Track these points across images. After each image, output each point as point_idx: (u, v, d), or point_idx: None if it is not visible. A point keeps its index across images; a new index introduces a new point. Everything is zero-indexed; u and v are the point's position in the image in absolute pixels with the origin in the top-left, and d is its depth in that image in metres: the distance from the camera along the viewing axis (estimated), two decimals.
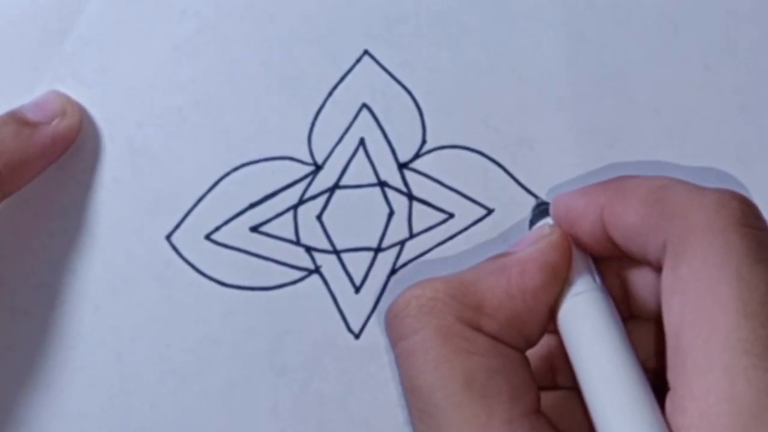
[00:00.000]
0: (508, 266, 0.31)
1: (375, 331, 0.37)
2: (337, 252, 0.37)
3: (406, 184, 0.37)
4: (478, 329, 0.29)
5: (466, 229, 0.37)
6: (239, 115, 0.37)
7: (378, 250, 0.37)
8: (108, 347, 0.36)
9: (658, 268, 0.29)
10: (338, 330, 0.37)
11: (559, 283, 0.31)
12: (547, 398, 0.31)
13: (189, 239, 0.36)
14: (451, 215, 0.37)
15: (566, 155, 0.38)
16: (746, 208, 0.28)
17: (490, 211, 0.38)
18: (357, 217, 0.37)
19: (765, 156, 0.38)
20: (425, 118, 0.37)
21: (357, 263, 0.37)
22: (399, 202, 0.37)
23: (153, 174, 0.36)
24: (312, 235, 0.37)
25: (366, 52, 0.37)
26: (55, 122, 0.35)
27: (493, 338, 0.29)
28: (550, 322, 0.31)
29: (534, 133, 0.38)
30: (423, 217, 0.37)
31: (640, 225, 0.30)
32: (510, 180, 0.38)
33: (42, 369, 0.36)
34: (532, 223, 0.34)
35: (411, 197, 0.37)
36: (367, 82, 0.37)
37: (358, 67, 0.37)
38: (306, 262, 0.37)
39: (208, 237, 0.37)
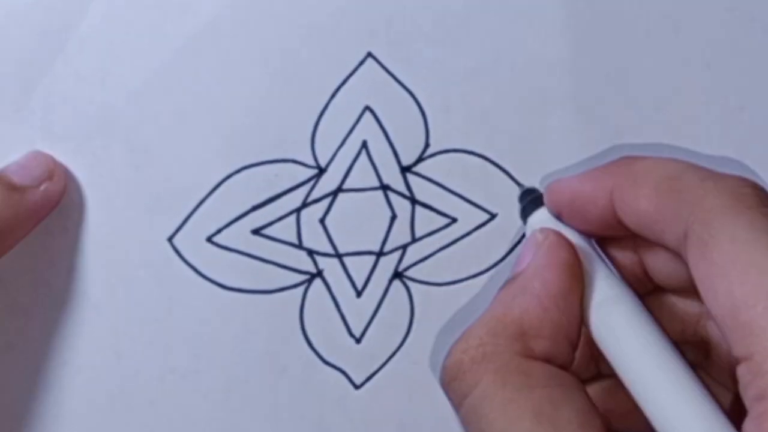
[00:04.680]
0: (527, 283, 0.31)
1: (376, 336, 0.37)
2: (339, 255, 0.37)
3: (408, 187, 0.37)
4: (531, 357, 0.30)
5: (468, 233, 0.37)
6: (241, 116, 0.36)
7: (380, 254, 0.37)
8: (108, 348, 0.36)
9: (675, 253, 0.29)
10: (339, 334, 0.37)
11: (579, 279, 0.31)
12: (595, 390, 0.32)
13: (191, 241, 0.36)
14: (453, 220, 0.37)
15: (570, 158, 0.38)
16: (761, 192, 0.29)
17: (493, 216, 0.38)
18: (359, 221, 0.37)
19: (765, 155, 0.38)
20: (428, 121, 0.37)
21: (359, 267, 0.37)
22: (401, 206, 0.37)
23: (154, 175, 0.36)
24: (314, 239, 0.37)
25: (369, 54, 0.37)
26: (44, 186, 0.34)
27: (548, 361, 0.30)
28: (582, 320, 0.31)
29: (537, 135, 0.38)
30: (425, 221, 0.37)
31: (655, 213, 0.30)
32: (513, 184, 0.37)
33: (42, 369, 0.36)
34: (524, 213, 0.34)
35: (413, 201, 0.37)
36: (369, 84, 0.37)
37: (360, 69, 0.37)
38: (308, 265, 0.37)
39: (209, 239, 0.36)
